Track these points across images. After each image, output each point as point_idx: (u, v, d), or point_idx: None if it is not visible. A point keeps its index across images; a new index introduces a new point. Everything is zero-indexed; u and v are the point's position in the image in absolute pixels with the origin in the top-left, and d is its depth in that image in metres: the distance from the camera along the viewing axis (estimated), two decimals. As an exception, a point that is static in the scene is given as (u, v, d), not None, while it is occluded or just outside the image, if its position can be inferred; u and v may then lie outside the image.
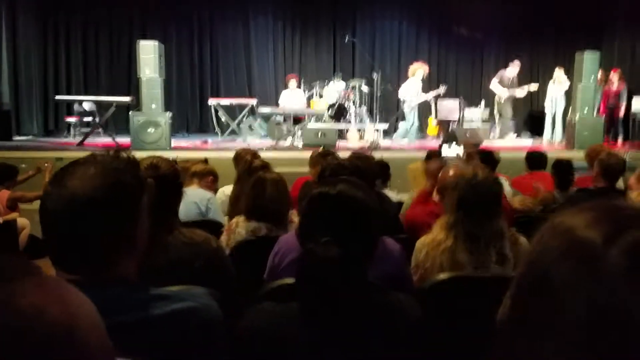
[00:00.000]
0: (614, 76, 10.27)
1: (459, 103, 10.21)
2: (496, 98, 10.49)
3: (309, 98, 10.65)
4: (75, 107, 10.16)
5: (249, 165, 3.58)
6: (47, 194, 1.05)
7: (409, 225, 2.93)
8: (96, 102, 9.77)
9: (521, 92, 10.41)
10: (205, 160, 4.21)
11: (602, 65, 9.98)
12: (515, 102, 10.71)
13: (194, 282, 1.48)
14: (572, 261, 0.56)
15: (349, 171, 2.51)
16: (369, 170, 3.18)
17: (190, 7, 11.90)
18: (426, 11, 13.00)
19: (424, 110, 10.63)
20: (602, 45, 11.38)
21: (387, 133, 10.36)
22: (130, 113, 8.43)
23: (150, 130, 8.22)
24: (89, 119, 9.95)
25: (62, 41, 11.33)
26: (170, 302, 1.11)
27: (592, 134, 9.08)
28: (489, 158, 4.29)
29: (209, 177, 3.85)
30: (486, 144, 8.47)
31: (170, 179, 1.88)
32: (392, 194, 4.10)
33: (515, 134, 10.89)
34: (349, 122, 9.90)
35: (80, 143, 8.75)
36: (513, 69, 10.46)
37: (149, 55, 8.31)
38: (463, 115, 10.21)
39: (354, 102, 10.06)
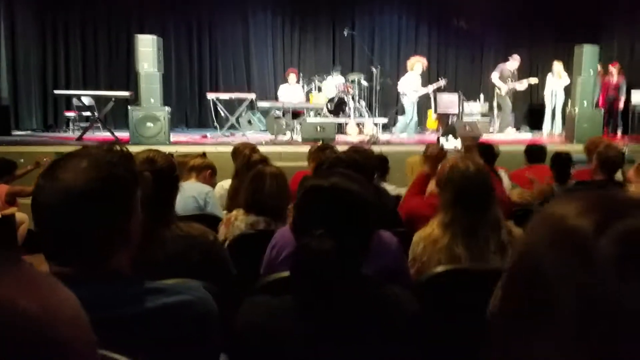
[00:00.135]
0: (613, 69, 10.26)
1: (458, 97, 10.20)
2: (496, 91, 10.48)
3: (308, 92, 10.64)
4: (74, 101, 10.15)
5: (247, 160, 3.57)
6: (40, 187, 1.05)
7: (407, 218, 2.93)
8: (95, 97, 9.77)
9: (521, 86, 10.40)
10: (203, 154, 4.20)
11: (601, 59, 9.96)
12: (515, 96, 10.70)
13: (191, 276, 1.48)
14: (563, 250, 0.56)
15: (346, 164, 2.50)
16: (367, 163, 3.16)
17: (189, 1, 11.86)
18: (425, 5, 12.96)
19: (424, 104, 10.61)
20: (601, 40, 11.35)
21: (386, 127, 10.34)
22: (129, 108, 8.42)
23: (149, 124, 8.21)
24: (88, 113, 9.93)
25: (61, 36, 11.30)
26: (164, 295, 1.11)
27: (592, 126, 9.08)
28: (488, 151, 4.29)
29: (207, 171, 3.84)
30: (485, 137, 8.45)
31: (167, 172, 1.88)
32: (391, 188, 4.10)
33: (515, 128, 10.89)
34: (348, 116, 9.89)
35: (80, 138, 8.73)
36: (513, 63, 10.45)
37: (147, 49, 8.28)
38: (462, 109, 10.20)
39: (353, 96, 10.04)
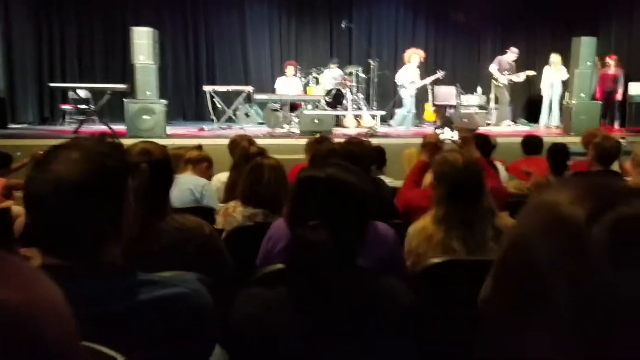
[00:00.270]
0: (611, 61, 10.25)
1: (456, 89, 10.19)
2: (493, 82, 10.47)
3: (305, 85, 10.60)
4: (70, 94, 10.10)
5: (245, 152, 3.55)
6: (31, 178, 1.04)
7: (404, 209, 2.92)
8: (91, 90, 9.71)
9: (518, 78, 10.41)
10: (200, 147, 4.18)
11: (599, 51, 9.95)
12: (513, 88, 10.69)
13: (187, 268, 1.47)
14: (556, 238, 0.55)
15: (341, 156, 2.49)
16: (364, 155, 3.16)
17: (185, -7, 11.80)
18: (423, -3, 12.91)
19: (421, 96, 10.59)
20: (599, 32, 11.33)
21: (384, 119, 10.33)
22: (125, 100, 8.38)
23: (146, 117, 8.17)
24: (84, 106, 9.88)
25: (57, 28, 11.22)
26: (158, 287, 1.10)
27: (589, 118, 9.06)
28: (485, 143, 4.28)
29: (203, 163, 3.83)
30: (482, 129, 8.44)
31: (162, 164, 1.87)
32: (388, 180, 4.09)
33: (512, 121, 10.88)
34: (346, 108, 9.87)
35: (76, 130, 8.69)
36: (511, 55, 10.45)
37: (143, 41, 8.22)
38: (460, 101, 10.19)
39: (350, 88, 10.02)
